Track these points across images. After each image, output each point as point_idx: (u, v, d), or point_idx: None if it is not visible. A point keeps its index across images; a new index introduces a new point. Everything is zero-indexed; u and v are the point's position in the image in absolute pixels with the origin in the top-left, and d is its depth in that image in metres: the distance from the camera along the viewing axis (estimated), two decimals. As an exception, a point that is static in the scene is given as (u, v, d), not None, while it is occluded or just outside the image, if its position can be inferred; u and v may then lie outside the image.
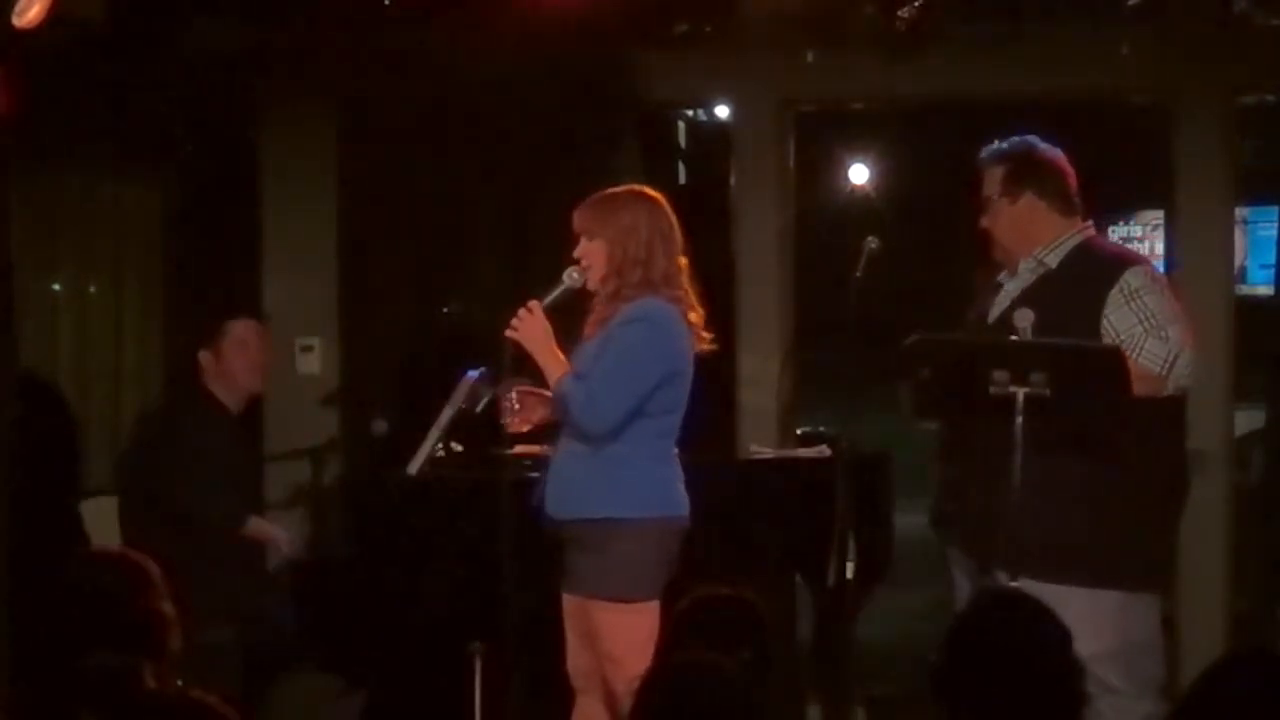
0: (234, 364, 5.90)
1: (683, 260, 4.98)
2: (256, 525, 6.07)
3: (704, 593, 4.00)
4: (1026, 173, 5.07)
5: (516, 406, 4.97)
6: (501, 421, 5.02)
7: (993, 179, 5.11)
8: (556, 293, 4.88)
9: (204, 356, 5.92)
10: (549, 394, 4.91)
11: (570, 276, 4.90)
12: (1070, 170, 5.12)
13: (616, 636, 4.83)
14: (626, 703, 4.75)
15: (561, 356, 4.88)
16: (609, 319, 4.90)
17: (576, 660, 5.05)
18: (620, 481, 4.84)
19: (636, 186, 5.03)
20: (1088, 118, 7.67)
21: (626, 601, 4.82)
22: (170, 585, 3.87)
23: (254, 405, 6.88)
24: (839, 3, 6.74)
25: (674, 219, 4.98)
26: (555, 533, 4.94)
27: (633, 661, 4.72)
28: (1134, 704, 4.89)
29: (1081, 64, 7.04)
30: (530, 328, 4.85)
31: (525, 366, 4.98)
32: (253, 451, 6.11)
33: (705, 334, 4.98)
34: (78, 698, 3.60)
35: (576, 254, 4.93)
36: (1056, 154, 5.12)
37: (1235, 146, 7.28)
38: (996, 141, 5.17)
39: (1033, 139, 5.13)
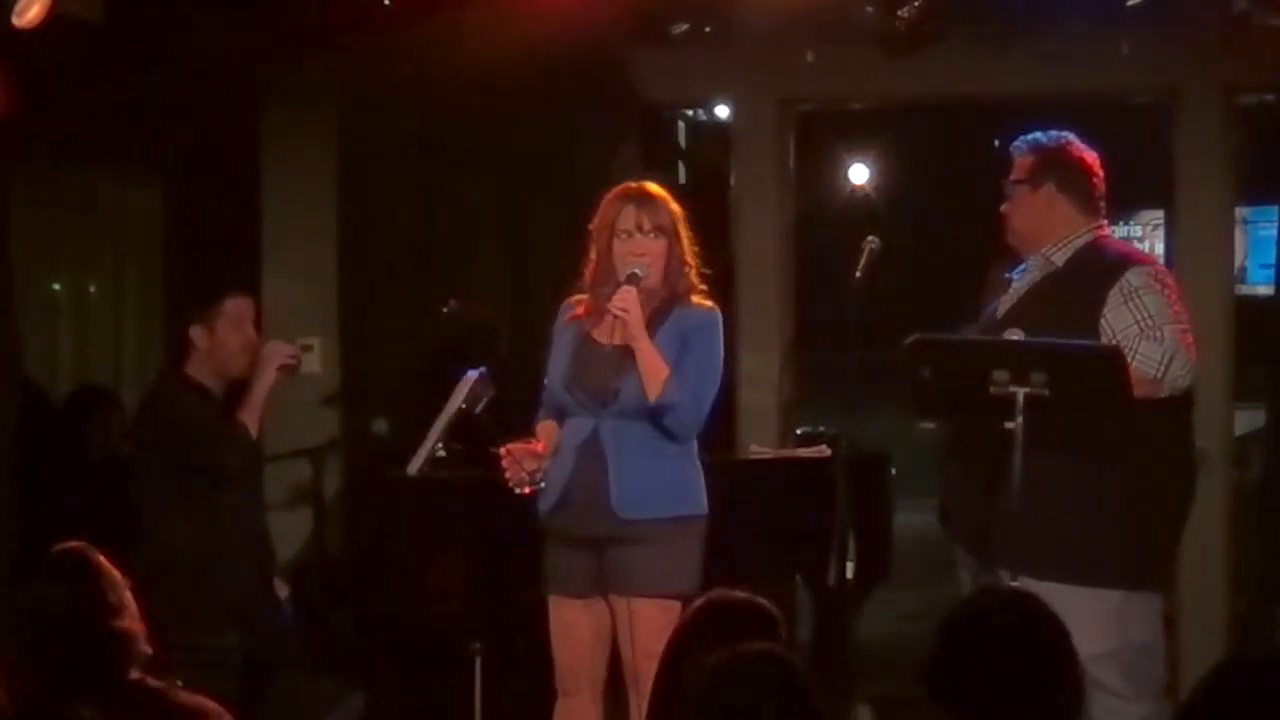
0: (229, 343, 5.72)
1: None
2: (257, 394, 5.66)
3: (719, 595, 3.97)
4: (1052, 166, 5.10)
5: (525, 474, 4.94)
6: (512, 486, 4.97)
7: (1021, 167, 5.15)
8: (638, 278, 4.87)
9: (196, 332, 5.75)
10: (537, 448, 4.95)
11: (639, 269, 4.90)
12: (1099, 172, 5.14)
13: (663, 633, 4.78)
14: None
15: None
16: (663, 321, 4.96)
17: (581, 662, 5.02)
18: (689, 479, 5.00)
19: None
20: (1088, 117, 7.66)
21: (682, 598, 4.73)
22: (129, 583, 3.73)
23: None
24: (839, 3, 6.74)
25: None
26: (610, 533, 4.92)
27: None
28: (1135, 705, 4.88)
29: (1081, 64, 7.04)
30: (635, 312, 4.85)
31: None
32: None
33: None
34: (77, 693, 3.59)
35: (640, 250, 4.93)
36: (1089, 153, 5.15)
37: (1235, 146, 7.28)
38: (1035, 132, 5.20)
39: (1070, 135, 5.16)
